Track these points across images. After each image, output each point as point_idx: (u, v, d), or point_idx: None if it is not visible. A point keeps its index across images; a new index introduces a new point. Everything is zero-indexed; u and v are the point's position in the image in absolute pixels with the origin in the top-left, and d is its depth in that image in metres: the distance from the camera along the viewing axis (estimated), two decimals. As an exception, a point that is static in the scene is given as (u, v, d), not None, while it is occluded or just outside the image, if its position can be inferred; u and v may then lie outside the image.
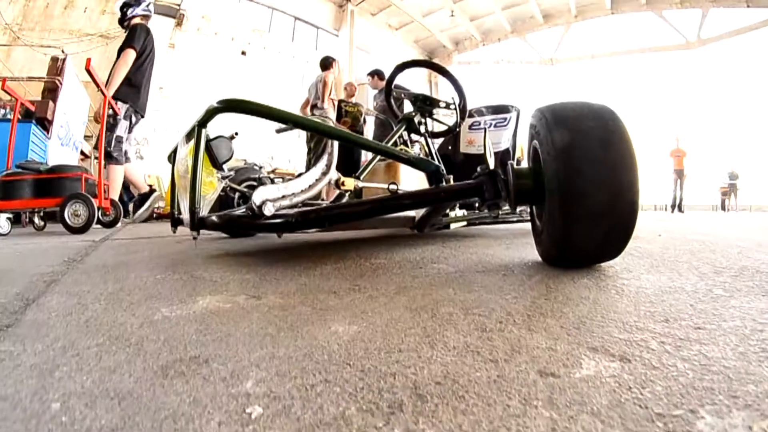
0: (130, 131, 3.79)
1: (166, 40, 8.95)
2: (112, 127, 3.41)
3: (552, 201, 0.91)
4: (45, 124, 5.49)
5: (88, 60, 3.29)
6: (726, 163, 11.56)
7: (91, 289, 0.90)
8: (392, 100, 2.23)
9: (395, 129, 1.86)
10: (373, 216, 1.01)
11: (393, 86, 2.14)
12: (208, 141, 1.12)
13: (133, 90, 3.43)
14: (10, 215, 2.92)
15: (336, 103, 4.97)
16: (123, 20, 3.60)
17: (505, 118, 2.45)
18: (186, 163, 1.09)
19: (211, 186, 1.22)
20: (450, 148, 2.52)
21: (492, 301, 0.72)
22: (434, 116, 2.05)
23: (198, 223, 0.99)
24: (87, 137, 7.92)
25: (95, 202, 2.85)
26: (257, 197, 0.86)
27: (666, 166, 8.47)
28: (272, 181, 2.10)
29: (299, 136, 10.14)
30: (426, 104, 1.96)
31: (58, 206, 2.70)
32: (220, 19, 10.02)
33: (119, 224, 3.61)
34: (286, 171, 10.00)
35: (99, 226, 3.21)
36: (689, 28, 11.06)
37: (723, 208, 10.87)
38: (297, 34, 11.99)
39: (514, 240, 1.68)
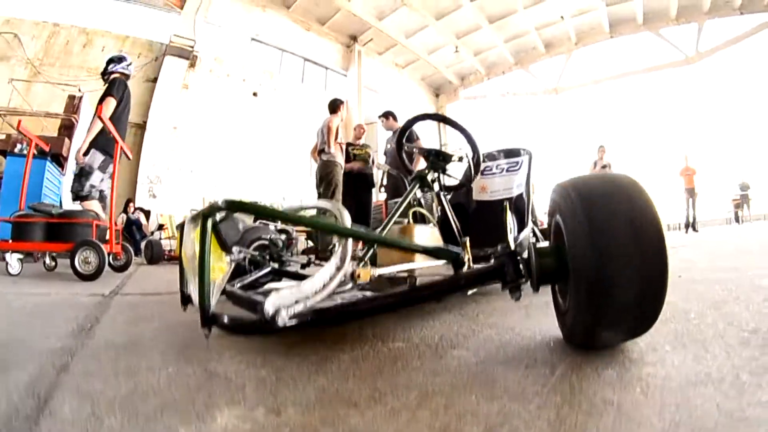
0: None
1: (180, 81, 9.26)
2: (87, 174, 3.51)
3: (579, 286, 0.88)
4: (60, 161, 5.62)
5: (99, 108, 3.41)
6: (736, 174, 11.52)
7: (104, 389, 0.88)
8: (404, 155, 2.23)
9: (409, 188, 1.83)
10: (392, 310, 0.99)
11: (405, 140, 2.15)
12: (216, 225, 1.11)
13: (109, 139, 3.52)
14: (21, 255, 2.94)
15: (344, 146, 5.02)
16: (105, 73, 3.85)
17: (517, 162, 2.37)
18: (193, 247, 1.08)
19: (221, 271, 1.21)
20: (463, 196, 2.48)
21: (516, 414, 0.69)
22: (447, 171, 2.02)
23: (209, 320, 0.97)
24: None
25: (105, 248, 2.86)
26: (269, 306, 0.84)
27: (676, 183, 8.39)
28: (284, 240, 2.06)
29: (311, 175, 10.29)
30: (439, 159, 1.92)
31: (68, 251, 2.70)
32: (231, 61, 10.37)
33: (130, 268, 3.61)
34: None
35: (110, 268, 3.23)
36: (687, 44, 11.39)
37: (737, 220, 10.76)
38: (306, 74, 12.36)
39: (532, 299, 1.62)
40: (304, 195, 10.64)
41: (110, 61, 3.87)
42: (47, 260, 3.26)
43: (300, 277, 1.88)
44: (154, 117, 8.94)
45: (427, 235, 1.74)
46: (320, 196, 4.74)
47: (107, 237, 3.20)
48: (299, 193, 10.45)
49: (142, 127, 8.84)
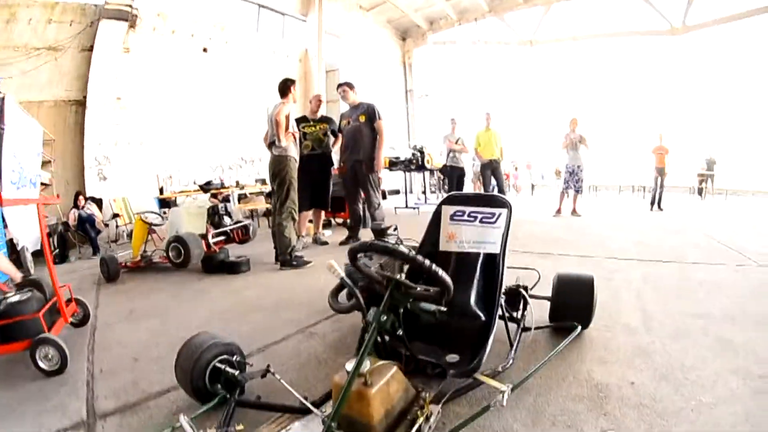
0: None
1: (120, 45, 8.24)
2: None
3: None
4: None
5: None
6: (706, 149, 11.89)
7: None
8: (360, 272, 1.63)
9: (366, 340, 1.34)
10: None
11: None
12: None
13: None
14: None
15: (297, 136, 4.42)
16: None
17: (494, 214, 2.05)
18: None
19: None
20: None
21: None
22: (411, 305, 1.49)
23: None
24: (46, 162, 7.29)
25: (60, 323, 2.52)
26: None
27: (648, 159, 8.49)
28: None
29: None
30: (401, 294, 1.43)
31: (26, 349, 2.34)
32: (176, 16, 9.25)
33: (90, 318, 3.10)
34: (255, 189, 9.59)
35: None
36: (675, 14, 10.92)
37: (700, 193, 11.30)
38: (261, 23, 11.21)
39: None
40: (263, 154, 10.11)
41: None
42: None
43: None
44: (95, 89, 7.91)
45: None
46: (273, 193, 4.33)
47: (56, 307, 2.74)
48: (258, 152, 10.01)
49: (81, 103, 7.86)
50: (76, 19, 7.73)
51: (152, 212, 5.20)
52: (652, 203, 7.34)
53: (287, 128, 4.13)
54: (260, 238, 5.13)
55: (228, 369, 1.62)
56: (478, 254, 2.05)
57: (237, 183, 9.44)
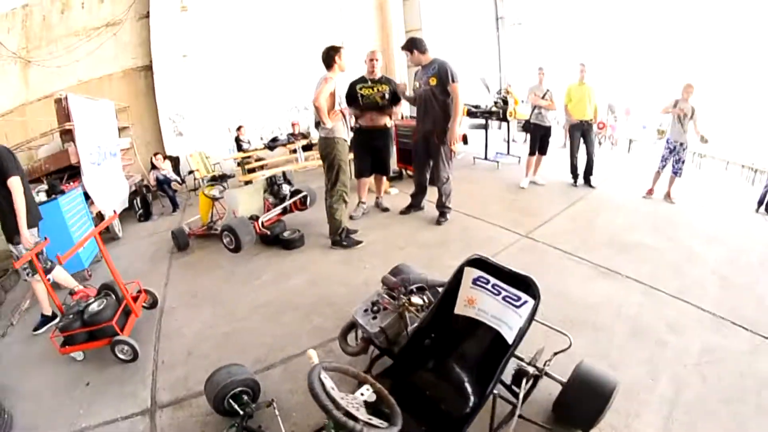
0: None
1: (177, 5, 8.39)
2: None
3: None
4: (76, 173, 5.72)
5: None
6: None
7: None
8: None
9: None
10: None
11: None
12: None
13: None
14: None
15: (347, 113, 4.11)
16: None
17: (519, 298, 1.83)
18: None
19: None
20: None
21: None
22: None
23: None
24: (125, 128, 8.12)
25: (132, 318, 2.98)
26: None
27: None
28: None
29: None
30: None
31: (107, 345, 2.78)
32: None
33: (159, 303, 3.58)
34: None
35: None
36: None
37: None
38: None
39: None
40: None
41: None
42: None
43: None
44: (159, 52, 8.35)
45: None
46: (324, 173, 4.19)
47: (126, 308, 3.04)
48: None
49: (149, 67, 8.40)
50: (127, -10, 8.02)
51: (214, 182, 5.67)
52: (760, 203, 5.67)
53: (332, 106, 3.89)
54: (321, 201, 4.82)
55: (241, 400, 2.04)
56: (492, 330, 1.90)
57: (306, 133, 9.01)
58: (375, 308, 2.16)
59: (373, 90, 4.60)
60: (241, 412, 1.96)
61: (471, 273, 1.99)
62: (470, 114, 7.81)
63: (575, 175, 5.91)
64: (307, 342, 2.74)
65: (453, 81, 4.11)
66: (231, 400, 2.02)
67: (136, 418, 2.33)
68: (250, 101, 9.43)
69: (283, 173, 5.27)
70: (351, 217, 4.86)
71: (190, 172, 8.17)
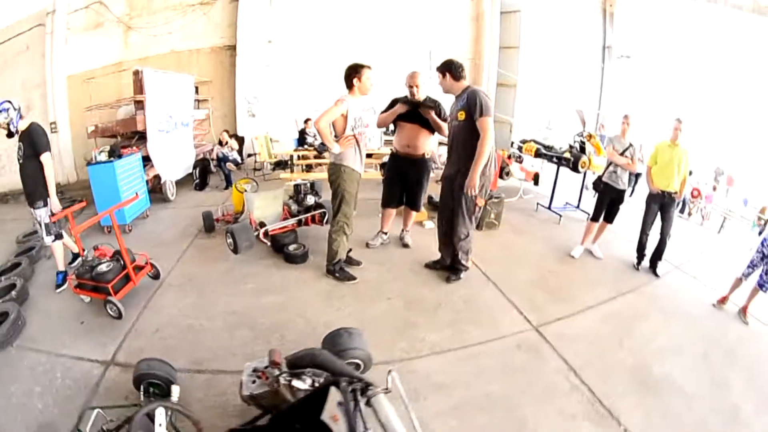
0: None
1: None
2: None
3: None
4: (141, 137, 6.20)
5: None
6: None
7: None
8: None
9: None
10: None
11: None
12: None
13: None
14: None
15: (360, 137, 3.67)
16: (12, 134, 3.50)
17: None
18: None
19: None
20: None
21: None
22: None
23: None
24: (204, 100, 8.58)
25: (130, 286, 3.42)
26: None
27: None
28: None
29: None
30: None
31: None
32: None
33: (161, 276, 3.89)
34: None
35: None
36: None
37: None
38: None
39: None
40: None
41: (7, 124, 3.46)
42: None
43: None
44: (244, 35, 8.70)
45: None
46: (331, 201, 3.92)
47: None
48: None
49: (233, 48, 8.79)
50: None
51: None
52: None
53: (343, 131, 3.55)
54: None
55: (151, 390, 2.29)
56: None
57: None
58: (258, 374, 2.04)
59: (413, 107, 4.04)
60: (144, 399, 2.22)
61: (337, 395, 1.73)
62: (538, 155, 6.87)
63: (640, 256, 4.72)
64: (236, 364, 2.63)
65: (482, 114, 3.34)
66: (145, 387, 2.29)
67: (96, 364, 2.72)
68: (322, 97, 9.33)
69: (312, 183, 5.14)
70: (367, 245, 4.59)
71: (250, 155, 8.41)
